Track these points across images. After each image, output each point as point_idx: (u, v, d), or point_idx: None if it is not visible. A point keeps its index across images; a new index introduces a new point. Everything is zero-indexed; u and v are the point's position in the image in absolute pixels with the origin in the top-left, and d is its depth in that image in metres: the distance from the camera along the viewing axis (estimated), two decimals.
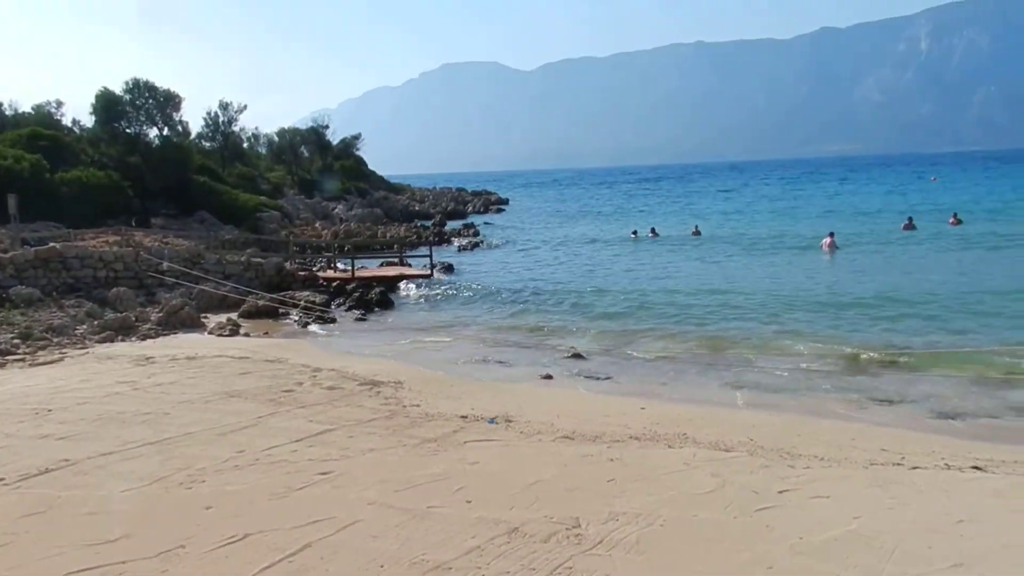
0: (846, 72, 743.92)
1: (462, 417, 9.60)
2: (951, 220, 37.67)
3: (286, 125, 64.06)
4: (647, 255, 30.61)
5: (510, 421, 9.45)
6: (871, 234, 34.37)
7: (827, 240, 30.17)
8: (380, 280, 24.30)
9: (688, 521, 6.11)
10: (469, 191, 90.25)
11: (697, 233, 37.34)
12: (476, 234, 43.73)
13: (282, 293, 21.29)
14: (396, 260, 29.05)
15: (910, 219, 36.37)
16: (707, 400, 11.46)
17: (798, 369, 12.97)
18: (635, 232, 37.50)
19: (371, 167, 74.98)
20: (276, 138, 60.62)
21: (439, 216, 55.02)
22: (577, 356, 14.45)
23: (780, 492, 6.76)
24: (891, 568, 5.24)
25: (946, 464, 7.68)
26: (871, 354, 13.40)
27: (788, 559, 5.41)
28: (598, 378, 12.96)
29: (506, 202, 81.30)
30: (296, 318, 19.38)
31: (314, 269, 26.82)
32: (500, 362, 14.39)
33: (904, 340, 14.53)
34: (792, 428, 9.48)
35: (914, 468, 7.54)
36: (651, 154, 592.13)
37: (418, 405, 10.31)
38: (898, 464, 7.69)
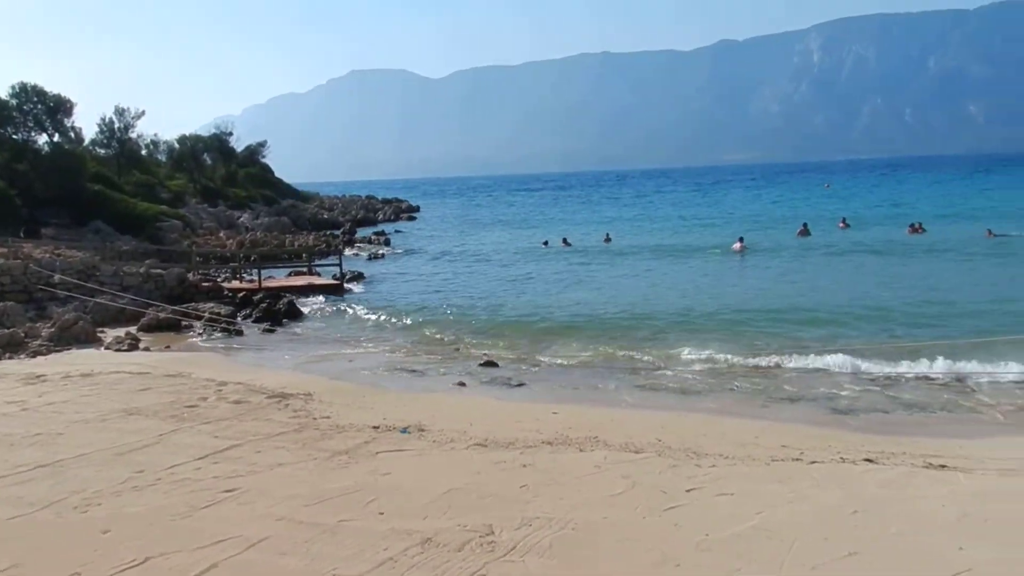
0: (745, 84, 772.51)
1: (374, 428, 9.49)
2: (840, 224, 40.06)
3: (187, 132, 61.92)
4: (559, 264, 30.94)
5: (423, 430, 9.39)
6: (771, 240, 35.71)
7: (738, 244, 31.56)
8: (288, 290, 23.78)
9: (599, 523, 6.20)
10: (380, 199, 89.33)
11: (608, 240, 38.00)
12: (387, 242, 43.34)
13: (184, 305, 20.55)
14: (305, 270, 28.49)
15: (805, 225, 38.31)
16: (618, 403, 11.67)
17: (705, 371, 13.35)
18: (546, 242, 37.85)
19: (284, 176, 73.33)
20: (177, 145, 58.54)
21: (349, 224, 54.27)
22: (490, 363, 14.48)
23: (687, 491, 6.94)
24: (791, 559, 5.45)
25: (841, 458, 8.04)
26: (774, 357, 13.89)
27: (695, 556, 5.57)
28: (511, 385, 13.02)
29: (417, 210, 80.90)
30: (200, 331, 18.75)
31: (219, 280, 26.01)
32: (413, 371, 14.28)
33: (804, 340, 15.12)
34: (699, 428, 9.75)
35: (812, 463, 7.86)
36: (563, 162, 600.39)
37: (328, 417, 10.13)
38: (797, 459, 8.00)
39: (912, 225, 36.98)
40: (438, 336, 17.47)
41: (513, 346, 16.01)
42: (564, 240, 37.93)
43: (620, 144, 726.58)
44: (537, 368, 14.25)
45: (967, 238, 32.10)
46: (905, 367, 12.74)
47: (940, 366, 12.64)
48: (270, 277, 26.88)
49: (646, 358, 14.39)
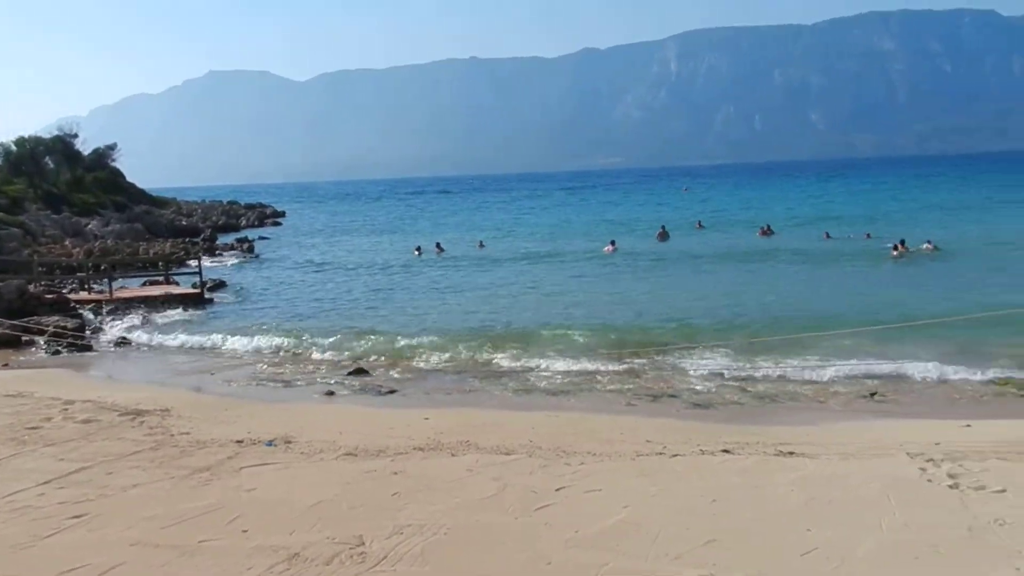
0: (607, 90, 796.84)
1: (237, 442, 9.12)
2: (696, 225, 43.24)
3: (26, 134, 57.39)
4: (432, 270, 30.79)
5: (289, 442, 9.12)
6: (635, 243, 36.97)
7: (609, 247, 32.60)
8: (143, 301, 22.53)
9: (471, 527, 6.22)
10: (242, 204, 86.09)
11: (482, 246, 38.20)
12: (251, 249, 41.81)
13: (25, 319, 19.08)
14: (161, 278, 27.06)
15: (663, 228, 40.11)
16: (490, 406, 11.76)
17: (574, 372, 13.65)
18: (419, 248, 37.46)
19: (139, 180, 69.20)
20: (14, 148, 54.19)
21: (209, 231, 52.00)
22: (360, 371, 14.26)
23: (557, 489, 7.07)
24: (655, 550, 5.65)
25: (701, 450, 8.42)
26: (639, 357, 14.38)
27: (564, 553, 5.68)
28: (382, 392, 12.87)
29: (283, 215, 78.56)
30: (44, 346, 17.45)
31: (65, 291, 24.29)
32: (279, 382, 13.86)
33: (666, 340, 15.72)
34: (568, 427, 9.96)
35: (674, 456, 8.19)
36: (432, 166, 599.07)
37: (188, 433, 9.66)
38: (660, 453, 8.32)
39: (762, 228, 39.45)
40: (306, 345, 17.00)
41: (384, 353, 15.79)
42: (437, 246, 37.71)
43: (487, 148, 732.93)
44: (409, 375, 14.15)
45: (808, 240, 34.45)
46: (758, 362, 13.48)
47: (788, 360, 13.46)
48: (123, 287, 25.38)
49: (518, 362, 14.55)
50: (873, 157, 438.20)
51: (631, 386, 12.59)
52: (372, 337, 17.30)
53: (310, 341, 17.25)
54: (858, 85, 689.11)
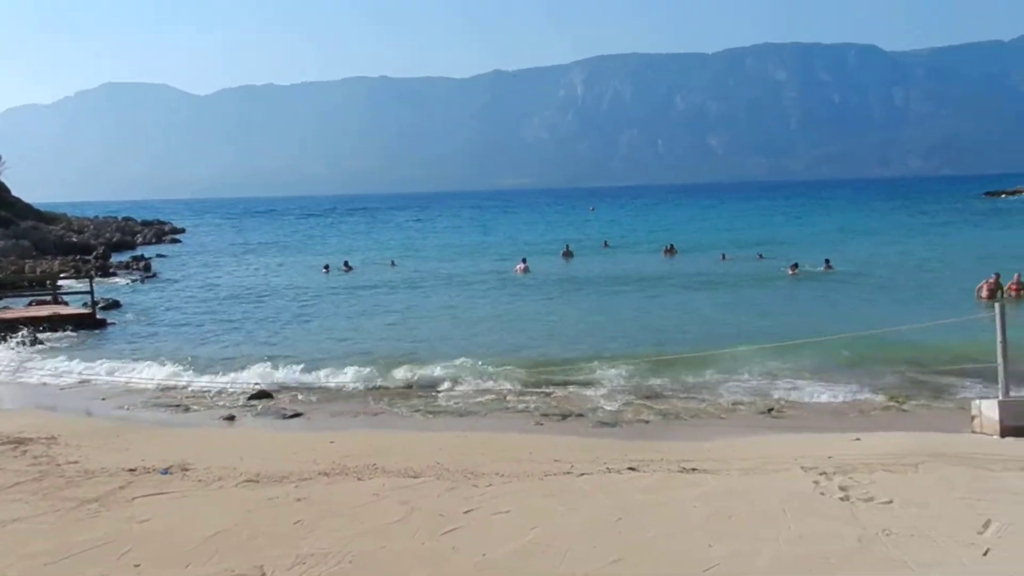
0: (517, 112, 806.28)
1: (130, 470, 8.70)
2: (603, 245, 45.07)
3: None
4: (340, 289, 30.27)
5: (187, 469, 8.75)
6: (541, 262, 37.33)
7: (520, 266, 32.82)
8: (29, 322, 21.29)
9: (377, 553, 6.10)
10: (139, 220, 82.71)
11: (393, 265, 37.86)
12: (147, 268, 40.16)
13: None
14: (49, 298, 25.65)
15: (567, 247, 41.23)
16: (397, 428, 11.62)
17: (483, 392, 13.63)
18: (327, 266, 36.82)
19: (29, 195, 65.46)
20: None
21: (102, 248, 49.70)
22: (263, 394, 13.84)
23: (465, 512, 7.02)
24: (562, 570, 5.68)
25: (607, 468, 8.52)
26: (548, 376, 14.49)
27: (473, 575, 5.64)
28: (286, 415, 12.54)
29: (182, 232, 75.93)
30: None
31: None
32: (176, 406, 13.32)
33: (574, 359, 15.89)
34: (477, 447, 9.93)
35: (581, 475, 8.26)
36: (341, 184, 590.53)
37: (76, 461, 9.15)
38: (568, 472, 8.38)
39: (666, 247, 40.74)
40: (206, 367, 16.39)
41: (290, 373, 15.35)
42: (345, 264, 37.17)
43: (398, 167, 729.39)
44: (314, 397, 13.82)
45: (706, 261, 35.68)
46: (662, 380, 13.77)
47: (691, 378, 13.81)
48: (6, 308, 23.96)
49: (426, 382, 14.42)
50: (767, 180, 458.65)
51: (540, 405, 12.67)
52: (276, 358, 16.84)
53: (210, 363, 16.66)
54: (754, 112, 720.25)
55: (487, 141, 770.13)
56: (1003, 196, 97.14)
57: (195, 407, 13.23)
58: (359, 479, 8.28)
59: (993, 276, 22.06)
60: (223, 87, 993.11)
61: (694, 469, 8.35)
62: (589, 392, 13.34)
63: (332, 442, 10.26)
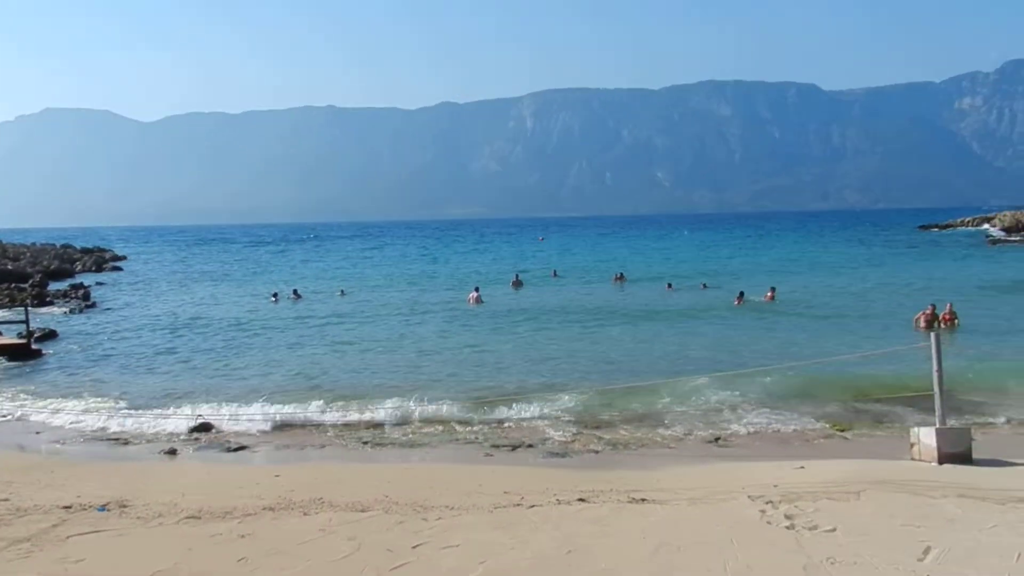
0: (466, 143, 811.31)
1: (65, 508, 8.38)
2: (552, 275, 44.79)
3: None
4: (289, 319, 29.78)
5: (125, 506, 8.47)
6: (492, 291, 37.35)
7: (473, 295, 32.72)
8: None
9: None
10: (79, 247, 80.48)
11: (343, 294, 37.46)
12: (86, 297, 39.01)
13: None
14: None
15: (517, 276, 41.64)
16: (345, 460, 11.44)
17: (431, 423, 13.52)
18: (275, 295, 36.26)
19: None
20: None
21: (39, 276, 48.19)
22: (206, 426, 13.52)
23: (414, 547, 6.92)
24: None
25: (557, 500, 8.51)
26: (498, 407, 14.44)
27: None
28: (229, 448, 12.25)
29: (124, 259, 74.05)
30: None
31: None
32: (114, 439, 12.91)
33: (525, 389, 15.88)
34: (425, 480, 9.82)
35: (531, 507, 8.23)
36: (291, 213, 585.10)
37: (6, 499, 8.79)
38: (518, 505, 8.34)
39: (616, 275, 41.58)
40: (147, 400, 15.96)
41: (232, 405, 15.03)
42: (295, 292, 36.70)
43: (347, 196, 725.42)
44: (260, 429, 13.53)
45: (653, 291, 36.21)
46: (612, 410, 13.86)
47: (640, 408, 13.93)
48: None
49: (374, 414, 14.25)
50: (713, 212, 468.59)
51: (489, 436, 12.61)
52: (219, 390, 16.50)
53: (151, 395, 16.24)
54: (699, 146, 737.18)
55: (437, 171, 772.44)
56: (935, 229, 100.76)
57: (134, 441, 12.85)
58: (305, 514, 8.11)
59: (930, 307, 22.85)
60: (168, 114, 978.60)
61: (643, 499, 8.38)
62: (539, 423, 13.34)
63: (277, 476, 10.06)
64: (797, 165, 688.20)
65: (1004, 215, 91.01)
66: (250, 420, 13.98)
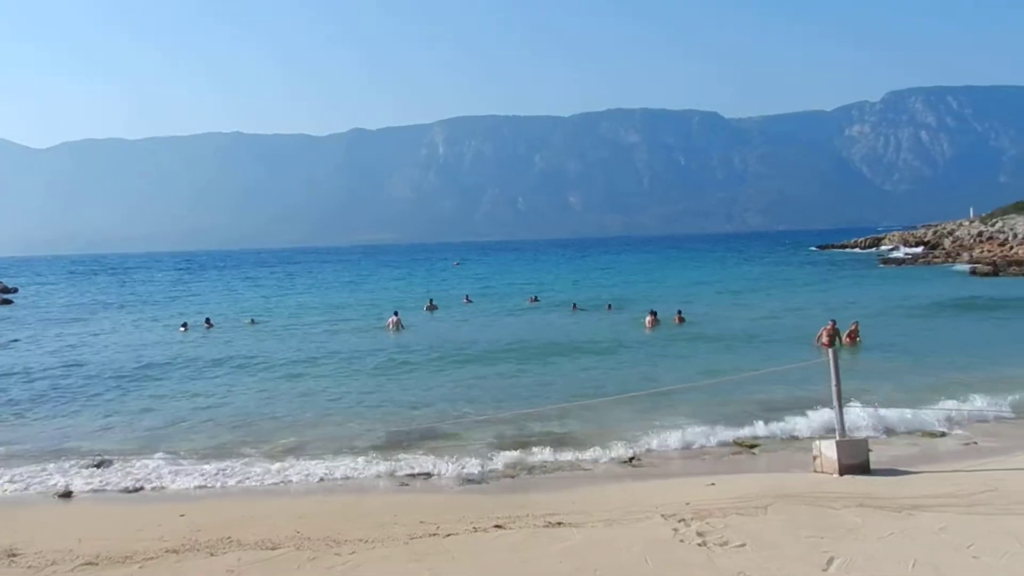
0: (379, 170, 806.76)
1: None
2: (464, 300, 44.39)
3: None
4: (197, 350, 28.73)
5: (14, 555, 7.95)
6: (407, 316, 37.05)
7: (392, 319, 32.60)
8: None
9: None
10: None
11: (253, 323, 36.42)
12: None
13: None
14: None
15: (431, 300, 41.67)
16: (253, 495, 11.06)
17: (343, 451, 13.22)
18: (185, 325, 34.95)
19: None
20: None
21: None
22: (104, 463, 12.84)
23: None
24: None
25: (474, 527, 8.44)
26: (411, 431, 14.28)
27: None
28: (130, 489, 11.67)
29: (15, 291, 70.11)
30: None
31: None
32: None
33: (443, 414, 15.75)
34: (339, 512, 9.59)
35: (448, 535, 8.14)
36: (196, 241, 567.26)
37: None
38: (434, 534, 8.23)
39: (531, 297, 42.62)
40: (39, 434, 15.07)
41: (132, 440, 14.38)
42: (207, 321, 35.50)
43: (256, 223, 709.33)
44: (162, 463, 12.93)
45: (559, 311, 36.82)
46: (528, 433, 13.90)
47: (555, 430, 14.02)
48: None
49: (286, 445, 13.86)
50: (623, 235, 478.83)
51: (403, 463, 12.40)
52: (121, 426, 15.76)
53: (42, 434, 15.34)
54: (609, 172, 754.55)
55: (348, 198, 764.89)
56: (832, 249, 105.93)
57: (26, 479, 12.07)
58: (212, 554, 7.79)
59: (830, 323, 23.73)
60: (62, 140, 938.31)
61: (559, 523, 8.40)
62: (454, 449, 13.23)
63: (182, 515, 9.64)
64: (702, 190, 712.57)
65: (893, 235, 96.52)
66: (154, 458, 13.37)
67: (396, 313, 33.54)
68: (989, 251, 65.31)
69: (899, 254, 78.95)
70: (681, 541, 7.42)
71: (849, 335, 23.67)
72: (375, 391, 18.97)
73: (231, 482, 11.91)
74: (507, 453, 12.93)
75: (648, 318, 30.07)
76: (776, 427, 13.81)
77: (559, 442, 13.39)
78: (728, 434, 13.49)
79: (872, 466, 10.40)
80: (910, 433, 13.45)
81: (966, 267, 56.92)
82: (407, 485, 11.45)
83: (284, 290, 66.17)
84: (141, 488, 11.68)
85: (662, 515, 8.38)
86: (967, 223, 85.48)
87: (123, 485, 11.78)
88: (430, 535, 8.21)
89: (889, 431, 13.45)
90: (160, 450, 13.78)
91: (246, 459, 13.10)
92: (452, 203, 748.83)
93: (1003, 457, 11.20)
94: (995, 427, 13.76)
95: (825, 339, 22.97)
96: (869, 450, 10.64)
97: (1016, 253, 61.73)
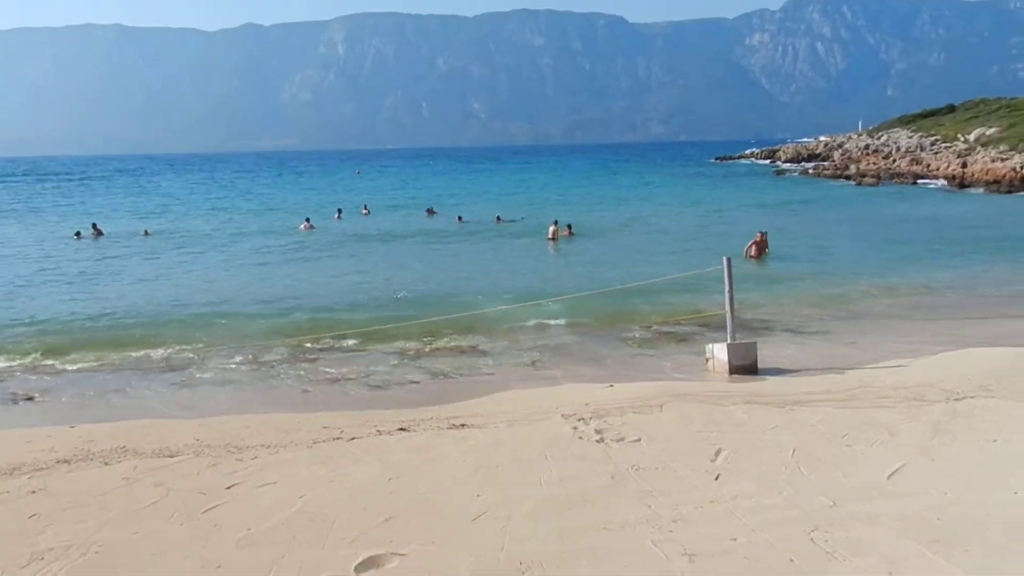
0: (274, 70, 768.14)
1: None
2: (363, 211, 42.83)
3: None
4: (88, 256, 27.31)
5: None
6: (316, 224, 36.20)
7: (304, 224, 33.50)
8: None
9: (129, 540, 5.65)
10: None
11: (147, 234, 34.64)
12: None
13: None
14: None
15: (339, 211, 40.60)
16: (150, 407, 10.79)
17: (245, 363, 12.99)
18: (78, 232, 33.04)
19: None
20: None
21: None
22: None
23: (228, 488, 6.70)
24: (333, 536, 5.61)
25: (378, 431, 8.51)
26: (313, 343, 14.13)
27: (236, 553, 5.40)
28: (16, 399, 11.20)
29: None
30: None
31: None
32: None
33: (341, 324, 15.60)
34: (241, 421, 9.49)
35: (352, 439, 8.18)
36: (73, 144, 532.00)
37: None
38: (338, 438, 8.25)
39: (428, 209, 41.86)
40: None
41: (19, 353, 13.71)
42: (94, 227, 33.72)
43: (141, 125, 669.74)
44: (51, 377, 12.44)
45: (482, 221, 36.54)
46: (432, 341, 13.97)
47: (461, 337, 14.15)
48: None
49: (181, 355, 13.51)
50: (529, 144, 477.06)
51: (307, 373, 12.34)
52: (5, 335, 14.98)
53: None
54: (514, 77, 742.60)
55: (242, 100, 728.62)
56: (730, 160, 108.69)
57: None
58: (106, 463, 7.60)
59: (758, 234, 23.92)
60: None
61: (463, 425, 8.57)
62: (358, 357, 13.21)
63: (72, 426, 9.34)
64: (607, 98, 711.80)
65: (787, 147, 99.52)
66: (40, 368, 12.82)
67: (308, 219, 34.51)
68: (874, 164, 68.30)
69: (792, 166, 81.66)
70: (580, 438, 7.70)
71: (756, 244, 23.96)
72: (276, 295, 18.59)
73: (126, 394, 11.57)
74: (412, 359, 13.03)
75: (552, 230, 30.32)
76: (675, 333, 14.32)
77: (463, 349, 13.54)
78: (629, 340, 13.94)
79: (760, 367, 10.99)
80: (790, 333, 14.20)
81: (852, 182, 59.23)
82: (309, 392, 11.41)
83: (182, 199, 63.34)
84: (28, 399, 11.22)
85: (562, 415, 8.65)
86: (855, 136, 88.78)
87: (8, 396, 11.29)
88: (334, 439, 8.23)
89: (770, 335, 14.15)
90: (47, 359, 13.24)
91: (141, 371, 12.73)
92: (353, 107, 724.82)
93: (875, 357, 12.02)
94: (873, 329, 14.68)
95: (754, 251, 23.36)
96: (757, 352, 11.21)
97: (898, 166, 64.83)
